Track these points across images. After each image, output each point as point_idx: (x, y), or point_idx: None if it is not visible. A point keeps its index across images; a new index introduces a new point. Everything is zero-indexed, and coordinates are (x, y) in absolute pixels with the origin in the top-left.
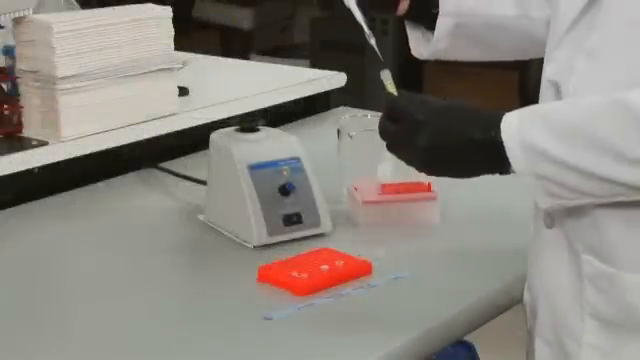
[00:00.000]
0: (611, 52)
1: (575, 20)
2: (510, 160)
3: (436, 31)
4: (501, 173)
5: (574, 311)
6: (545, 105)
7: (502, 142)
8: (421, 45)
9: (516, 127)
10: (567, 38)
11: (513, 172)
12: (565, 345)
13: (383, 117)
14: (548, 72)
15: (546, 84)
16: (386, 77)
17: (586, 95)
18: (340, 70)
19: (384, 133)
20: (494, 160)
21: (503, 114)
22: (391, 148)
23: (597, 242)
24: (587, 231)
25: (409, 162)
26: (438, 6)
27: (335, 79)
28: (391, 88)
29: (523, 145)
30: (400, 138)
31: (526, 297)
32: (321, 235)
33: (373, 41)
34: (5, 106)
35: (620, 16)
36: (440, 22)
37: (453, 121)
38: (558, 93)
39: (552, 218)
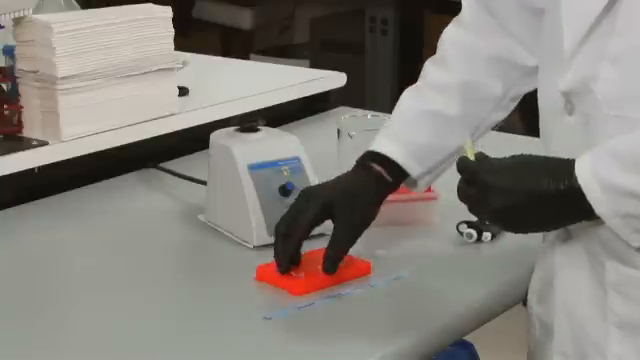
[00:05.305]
0: (636, 55)
1: (590, 29)
2: (592, 204)
3: (420, 188)
4: (587, 219)
5: (597, 323)
6: (611, 142)
7: (580, 188)
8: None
9: (591, 169)
10: (583, 49)
11: (596, 217)
12: (588, 358)
13: (460, 181)
14: (564, 84)
15: (555, 97)
16: (468, 144)
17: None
18: (340, 70)
19: (462, 197)
20: (573, 208)
21: (571, 160)
22: (471, 211)
23: (622, 247)
24: (610, 237)
25: (492, 223)
26: (408, 178)
27: (335, 79)
28: (470, 153)
29: (603, 186)
30: (476, 201)
31: (537, 311)
32: (321, 235)
33: None
34: (5, 106)
35: None
36: (421, 184)
37: (521, 179)
38: (569, 104)
39: (568, 232)
